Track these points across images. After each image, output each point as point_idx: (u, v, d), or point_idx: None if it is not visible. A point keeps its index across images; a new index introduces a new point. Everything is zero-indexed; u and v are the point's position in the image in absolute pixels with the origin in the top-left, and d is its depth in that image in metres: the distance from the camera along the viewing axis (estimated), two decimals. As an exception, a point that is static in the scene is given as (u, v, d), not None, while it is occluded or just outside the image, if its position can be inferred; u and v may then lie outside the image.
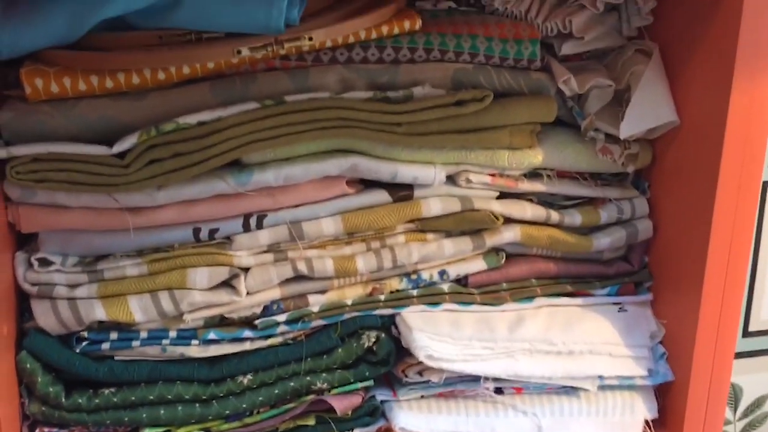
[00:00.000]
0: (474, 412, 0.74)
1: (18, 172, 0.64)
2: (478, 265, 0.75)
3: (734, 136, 0.66)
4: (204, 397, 0.71)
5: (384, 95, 0.68)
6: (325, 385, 0.72)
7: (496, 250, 0.76)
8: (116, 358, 0.70)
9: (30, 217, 0.67)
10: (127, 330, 0.70)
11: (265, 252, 0.70)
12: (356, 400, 0.73)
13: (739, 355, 1.14)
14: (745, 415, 1.20)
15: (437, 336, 0.72)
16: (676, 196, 0.74)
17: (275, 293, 0.71)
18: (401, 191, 0.72)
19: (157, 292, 0.68)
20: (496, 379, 0.74)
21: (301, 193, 0.69)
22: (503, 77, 0.71)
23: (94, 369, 0.69)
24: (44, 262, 0.68)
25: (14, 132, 0.65)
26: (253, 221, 0.69)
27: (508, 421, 0.74)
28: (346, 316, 0.72)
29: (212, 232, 0.69)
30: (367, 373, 0.73)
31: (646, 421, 0.77)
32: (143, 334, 0.70)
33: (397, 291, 0.74)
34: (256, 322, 0.71)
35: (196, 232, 0.68)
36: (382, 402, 0.74)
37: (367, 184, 0.72)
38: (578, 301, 0.78)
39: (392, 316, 0.74)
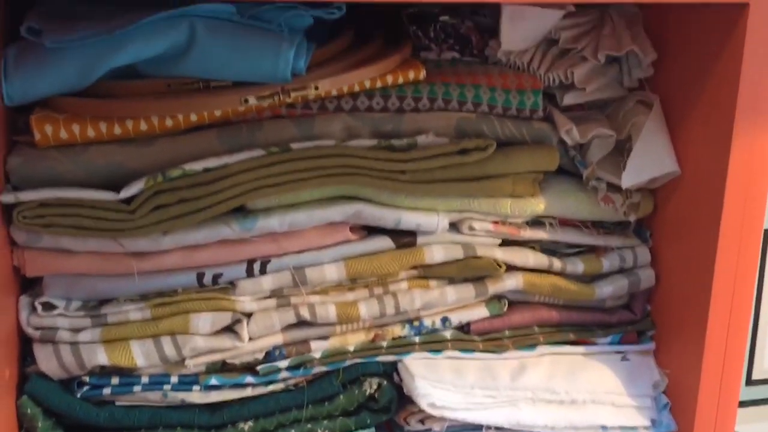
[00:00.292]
0: (477, 461, 0.74)
1: (25, 216, 0.65)
2: (481, 312, 0.75)
3: (735, 186, 0.66)
4: (205, 444, 0.70)
5: (388, 143, 0.69)
6: (326, 433, 0.72)
7: (498, 297, 0.76)
8: (117, 403, 0.69)
9: (35, 262, 0.67)
10: (128, 375, 0.69)
11: (268, 297, 0.70)
12: (358, 448, 0.72)
13: (743, 404, 1.13)
14: (749, 464, 1.18)
15: (439, 384, 0.71)
16: (678, 244, 0.74)
17: (278, 339, 0.71)
18: (404, 238, 0.72)
19: (159, 337, 0.68)
20: (498, 428, 0.73)
21: (305, 239, 0.70)
22: (506, 126, 0.71)
23: (95, 414, 0.68)
24: (48, 306, 0.68)
25: (23, 177, 0.65)
26: (256, 267, 0.69)
27: (511, 470, 0.74)
28: (348, 362, 0.72)
29: (216, 278, 0.69)
30: (368, 421, 0.73)
31: (650, 472, 0.76)
32: (145, 379, 0.69)
33: (400, 338, 0.74)
34: (258, 367, 0.70)
35: (200, 277, 0.69)
36: (383, 450, 0.74)
37: (371, 230, 0.72)
38: (581, 349, 0.77)
39: (394, 363, 0.74)
